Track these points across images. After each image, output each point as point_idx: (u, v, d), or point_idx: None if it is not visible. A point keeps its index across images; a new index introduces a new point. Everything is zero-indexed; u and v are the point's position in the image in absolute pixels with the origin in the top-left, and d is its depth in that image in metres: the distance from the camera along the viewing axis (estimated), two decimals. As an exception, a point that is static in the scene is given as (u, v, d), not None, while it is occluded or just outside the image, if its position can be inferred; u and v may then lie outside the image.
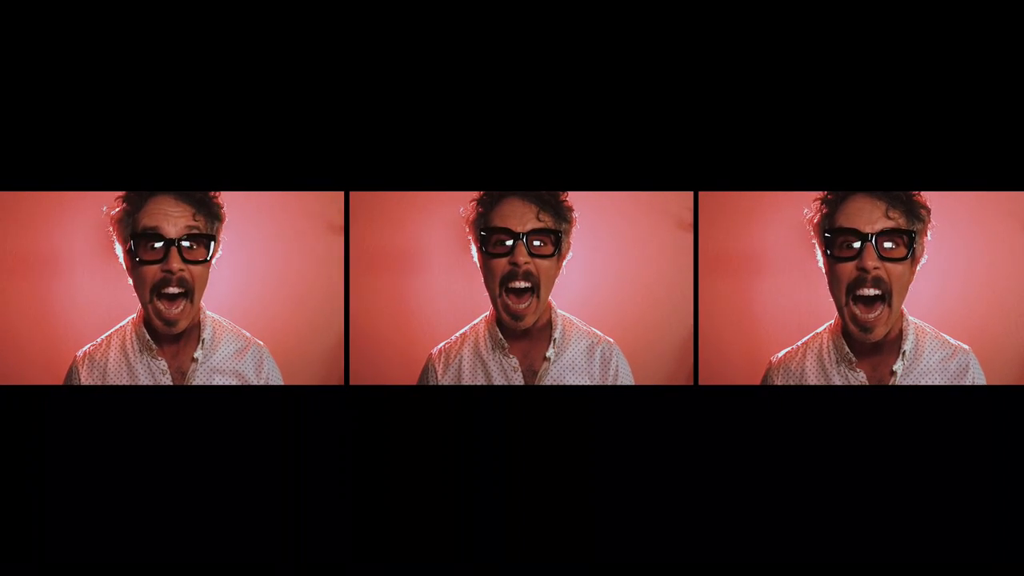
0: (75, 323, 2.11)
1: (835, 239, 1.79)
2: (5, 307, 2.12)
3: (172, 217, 1.88)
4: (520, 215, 1.78)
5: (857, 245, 1.76)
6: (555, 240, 1.78)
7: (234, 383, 2.06)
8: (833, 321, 2.03)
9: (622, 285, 2.18)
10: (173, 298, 1.91)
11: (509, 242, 1.76)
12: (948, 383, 1.88)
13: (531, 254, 1.78)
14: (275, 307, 2.17)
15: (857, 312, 1.84)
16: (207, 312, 2.05)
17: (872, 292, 1.80)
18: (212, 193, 1.94)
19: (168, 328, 1.92)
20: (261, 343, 2.10)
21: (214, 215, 1.92)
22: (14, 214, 2.12)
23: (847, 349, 1.89)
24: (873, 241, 1.76)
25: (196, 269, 1.91)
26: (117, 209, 1.90)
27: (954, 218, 2.14)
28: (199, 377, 2.04)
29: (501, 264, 1.81)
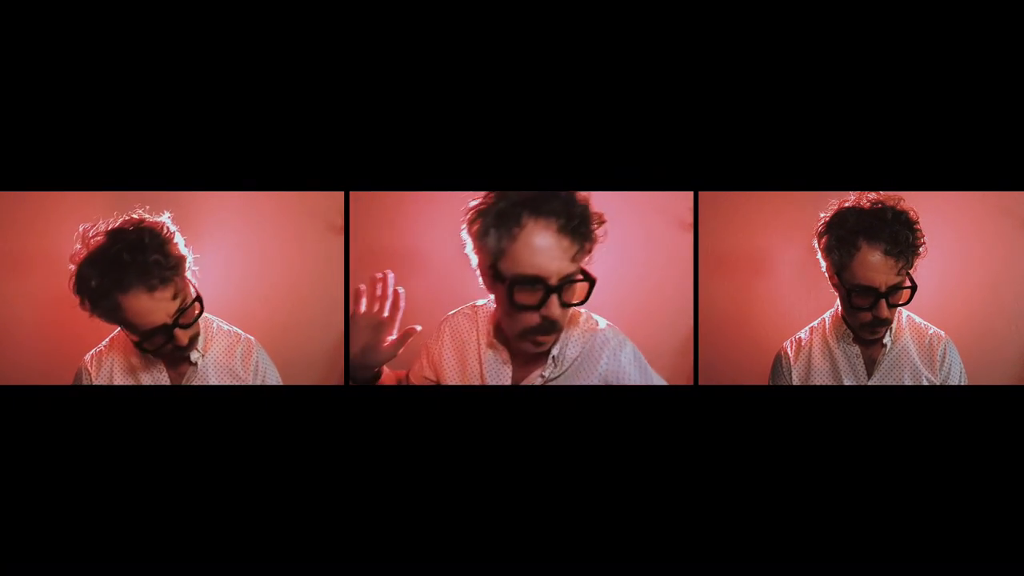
0: (76, 324, 2.11)
1: (852, 292, 2.02)
2: (5, 307, 2.12)
3: (159, 312, 1.89)
4: None
5: (872, 299, 2.01)
6: None
7: (227, 379, 2.07)
8: (835, 309, 2.15)
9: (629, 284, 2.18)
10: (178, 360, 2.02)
11: None
12: (925, 352, 2.11)
13: None
14: (275, 307, 2.17)
15: (866, 333, 2.09)
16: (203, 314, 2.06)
17: (881, 327, 2.07)
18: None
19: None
20: (252, 338, 2.11)
21: (175, 278, 1.92)
22: (14, 214, 2.12)
23: (846, 328, 2.12)
24: (886, 298, 2.00)
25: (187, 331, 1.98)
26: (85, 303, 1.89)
27: (952, 217, 2.14)
28: (195, 379, 2.06)
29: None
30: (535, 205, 1.65)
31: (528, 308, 1.67)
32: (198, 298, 1.97)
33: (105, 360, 2.07)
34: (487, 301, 1.98)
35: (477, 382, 1.98)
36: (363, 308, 1.78)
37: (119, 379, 2.06)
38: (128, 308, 1.87)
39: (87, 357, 2.08)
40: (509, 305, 1.71)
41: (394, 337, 1.79)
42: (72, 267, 1.90)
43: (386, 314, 1.77)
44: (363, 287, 1.78)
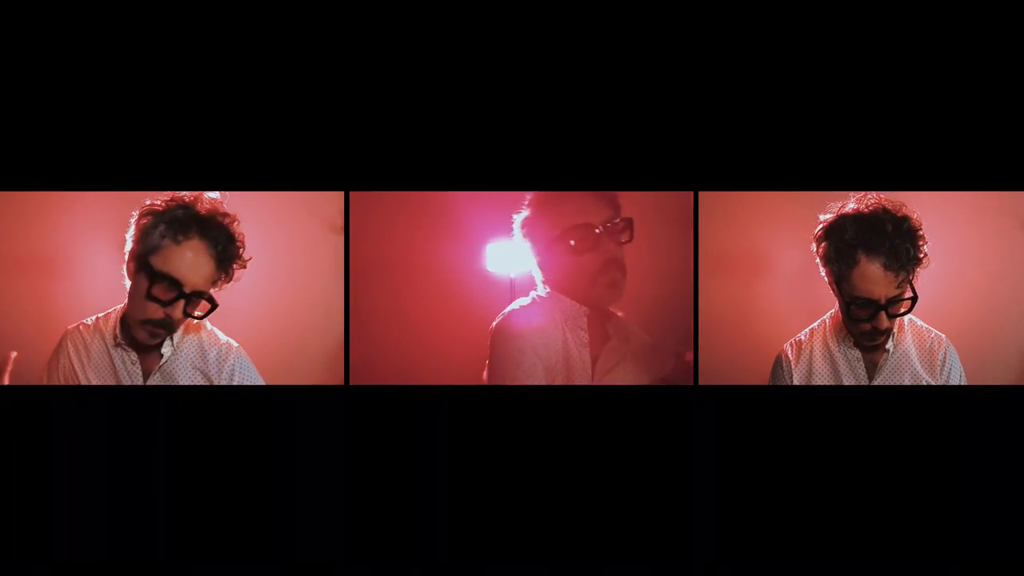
0: (74, 323, 2.11)
1: (852, 304, 2.02)
2: (5, 307, 2.12)
3: (195, 268, 1.99)
4: None
5: (872, 310, 2.00)
6: None
7: (198, 379, 2.05)
8: (835, 310, 2.12)
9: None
10: (156, 334, 2.03)
11: None
12: (926, 356, 2.10)
13: None
14: (275, 307, 2.16)
15: (865, 340, 2.08)
16: None
17: (880, 338, 2.06)
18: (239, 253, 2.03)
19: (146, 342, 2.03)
20: (234, 344, 2.08)
21: (228, 274, 2.03)
22: (14, 214, 2.12)
23: (847, 332, 2.11)
24: (886, 309, 2.00)
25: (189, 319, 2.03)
26: (147, 220, 1.99)
27: (952, 217, 2.14)
28: (162, 373, 2.05)
29: None
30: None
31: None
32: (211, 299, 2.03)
33: (87, 339, 2.05)
34: (547, 294, 2.09)
35: (560, 363, 2.06)
36: None
37: (95, 358, 2.04)
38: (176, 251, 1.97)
39: (70, 327, 2.06)
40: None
41: None
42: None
43: None
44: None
